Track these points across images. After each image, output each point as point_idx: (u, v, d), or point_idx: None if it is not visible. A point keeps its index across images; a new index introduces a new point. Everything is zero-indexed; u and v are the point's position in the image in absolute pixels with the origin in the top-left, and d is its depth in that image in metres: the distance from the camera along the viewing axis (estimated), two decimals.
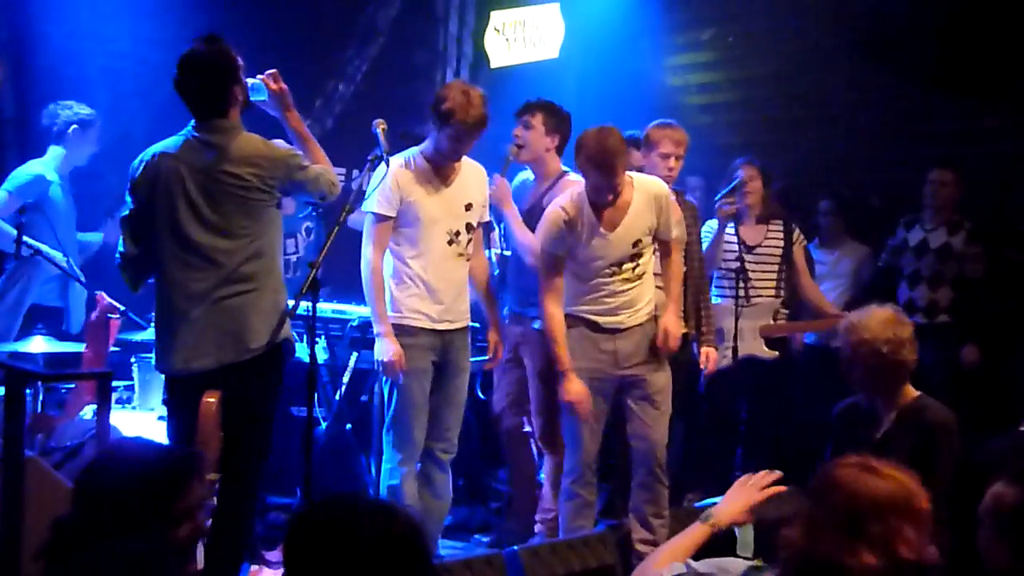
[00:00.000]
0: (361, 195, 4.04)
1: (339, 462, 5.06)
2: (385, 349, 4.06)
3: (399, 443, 4.17)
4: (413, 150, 4.23)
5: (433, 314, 4.16)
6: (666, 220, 4.30)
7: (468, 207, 4.24)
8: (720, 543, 4.59)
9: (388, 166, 3.98)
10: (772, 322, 5.36)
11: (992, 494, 2.20)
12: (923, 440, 3.39)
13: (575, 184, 4.35)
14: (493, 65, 6.83)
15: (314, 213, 5.22)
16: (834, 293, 5.95)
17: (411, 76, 6.98)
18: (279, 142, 3.76)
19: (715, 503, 4.67)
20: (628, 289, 4.27)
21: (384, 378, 4.17)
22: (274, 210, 3.69)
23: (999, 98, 5.75)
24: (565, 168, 4.71)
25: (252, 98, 3.75)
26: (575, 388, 4.18)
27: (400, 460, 4.17)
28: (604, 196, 4.11)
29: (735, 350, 5.09)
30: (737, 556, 4.58)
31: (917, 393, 3.54)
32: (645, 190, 4.25)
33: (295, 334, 5.19)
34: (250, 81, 3.73)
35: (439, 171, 4.18)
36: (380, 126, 4.02)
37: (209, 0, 6.10)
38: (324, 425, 5.15)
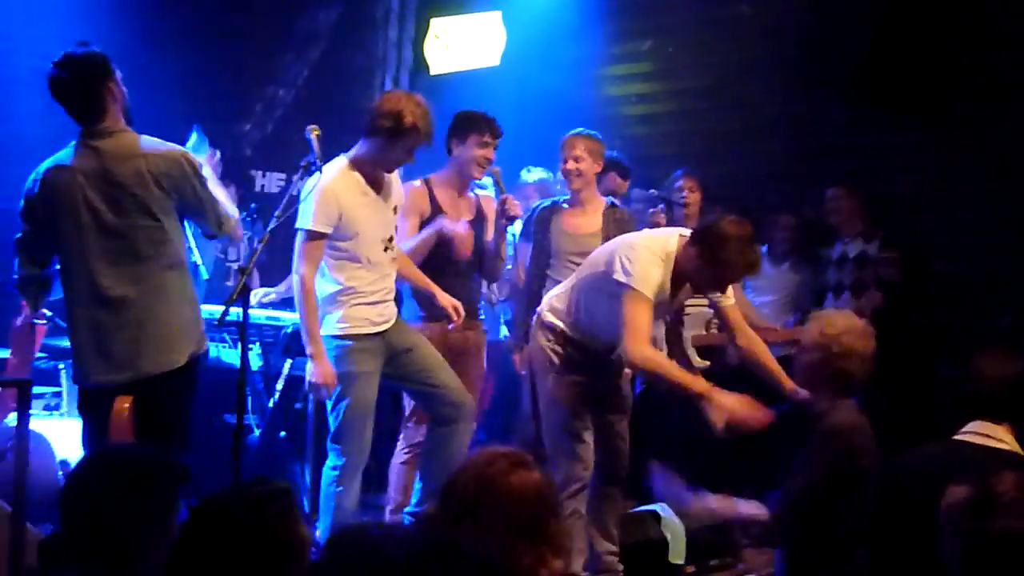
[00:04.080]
0: (294, 201, 4.00)
1: (272, 470, 5.02)
2: (316, 371, 4.01)
3: (347, 448, 4.11)
4: (340, 160, 4.13)
5: (374, 317, 4.16)
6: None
7: (395, 210, 4.28)
8: (652, 552, 4.67)
9: (322, 173, 3.94)
10: (704, 332, 5.41)
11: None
12: (815, 443, 3.39)
13: None
14: (433, 72, 6.84)
15: (248, 220, 5.18)
16: (772, 307, 6.03)
17: (350, 81, 6.97)
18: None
19: (651, 510, 4.76)
20: None
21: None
22: (176, 214, 3.60)
23: (924, 113, 5.88)
24: None
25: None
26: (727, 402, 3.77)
27: (346, 465, 4.12)
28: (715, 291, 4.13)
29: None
30: (670, 563, 4.68)
31: (841, 400, 3.49)
32: None
33: (229, 339, 5.18)
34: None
35: (370, 180, 4.14)
36: (314, 132, 3.96)
37: (144, 2, 6.05)
38: (257, 432, 5.11)
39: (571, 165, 4.86)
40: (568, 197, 5.02)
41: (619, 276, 3.88)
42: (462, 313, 4.45)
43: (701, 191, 5.61)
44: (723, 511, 3.61)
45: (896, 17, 5.68)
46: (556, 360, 4.24)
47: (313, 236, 4.01)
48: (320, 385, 4.01)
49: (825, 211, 5.99)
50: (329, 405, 4.15)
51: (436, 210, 4.68)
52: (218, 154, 3.86)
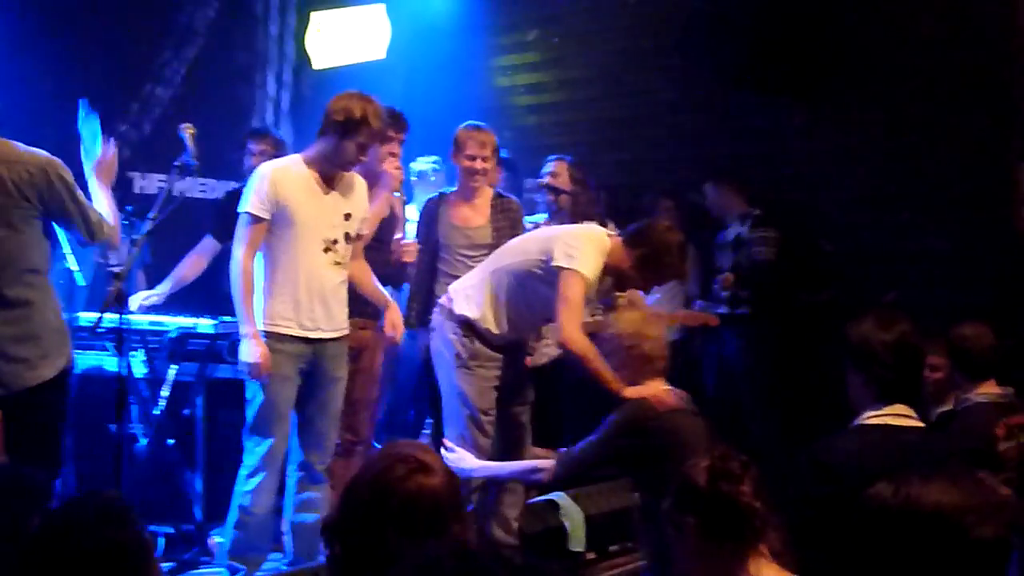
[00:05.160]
0: (170, 202, 3.91)
1: (161, 478, 4.87)
2: (250, 351, 3.94)
3: (259, 449, 4.06)
4: (294, 156, 4.14)
5: (304, 322, 4.07)
6: None
7: (347, 216, 4.15)
8: (552, 541, 4.67)
9: (195, 175, 3.88)
10: (590, 319, 5.42)
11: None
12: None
13: None
14: (316, 66, 6.73)
15: (125, 223, 5.00)
16: (658, 293, 6.07)
17: (232, 78, 6.81)
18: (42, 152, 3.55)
19: (548, 499, 4.76)
20: None
21: (248, 382, 4.05)
22: (39, 223, 3.49)
23: (807, 97, 6.00)
24: None
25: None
26: None
27: (258, 466, 4.06)
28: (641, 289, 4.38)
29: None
30: (570, 551, 4.69)
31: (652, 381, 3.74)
32: None
33: (111, 346, 5.00)
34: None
35: (321, 178, 4.08)
36: (188, 130, 3.95)
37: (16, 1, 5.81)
38: (144, 441, 4.95)
39: (479, 164, 4.84)
40: (455, 189, 4.98)
41: (561, 261, 4.06)
42: (399, 336, 4.42)
43: (571, 176, 5.62)
44: (502, 471, 4.06)
45: (778, 2, 5.79)
46: (463, 353, 4.24)
47: (252, 220, 3.99)
48: (253, 364, 3.93)
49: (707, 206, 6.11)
50: (248, 393, 4.08)
51: None
52: (113, 143, 3.74)
